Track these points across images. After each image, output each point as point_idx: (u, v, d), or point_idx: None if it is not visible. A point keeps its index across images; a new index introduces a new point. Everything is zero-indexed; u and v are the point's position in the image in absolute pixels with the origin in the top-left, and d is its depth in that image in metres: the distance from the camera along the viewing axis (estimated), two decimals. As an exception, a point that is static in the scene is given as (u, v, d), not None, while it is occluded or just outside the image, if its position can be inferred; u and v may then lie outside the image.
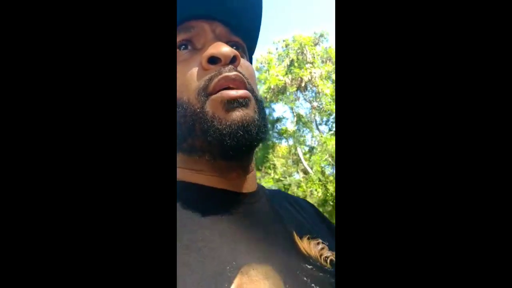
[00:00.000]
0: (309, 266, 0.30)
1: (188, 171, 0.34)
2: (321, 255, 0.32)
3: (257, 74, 8.50)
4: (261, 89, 7.86)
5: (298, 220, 0.37)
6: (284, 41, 8.31)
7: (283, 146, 8.55)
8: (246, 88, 0.32)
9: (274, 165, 8.06)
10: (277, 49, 8.43)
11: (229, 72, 0.31)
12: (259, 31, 0.39)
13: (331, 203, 7.01)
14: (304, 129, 8.08)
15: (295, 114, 8.01)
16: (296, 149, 7.93)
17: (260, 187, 0.39)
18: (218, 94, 0.30)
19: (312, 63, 7.50)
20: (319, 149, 7.31)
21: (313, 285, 0.28)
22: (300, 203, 0.42)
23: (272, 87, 7.38)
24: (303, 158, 7.80)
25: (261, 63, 8.49)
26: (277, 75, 7.31)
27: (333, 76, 7.71)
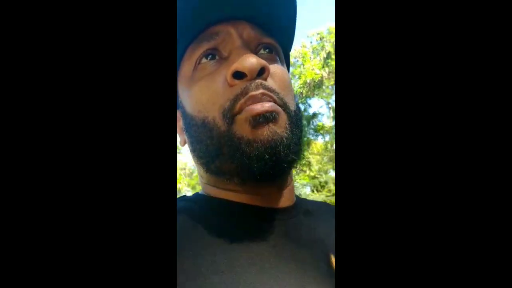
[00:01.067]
0: None
1: (217, 189, 0.32)
2: None
3: (291, 70, 8.30)
4: (296, 85, 7.70)
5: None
6: (318, 34, 8.05)
7: (319, 142, 8.33)
8: (276, 100, 0.29)
9: (309, 162, 7.86)
10: (311, 42, 8.21)
11: (255, 91, 0.28)
12: (294, 27, 0.35)
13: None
14: (342, 124, 7.78)
15: (331, 108, 7.74)
16: (332, 146, 7.68)
17: (299, 201, 0.37)
18: (243, 113, 0.28)
19: (350, 54, 7.17)
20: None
21: None
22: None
23: (308, 81, 7.19)
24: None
25: (295, 58, 8.31)
26: (313, 69, 7.10)
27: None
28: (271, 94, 0.29)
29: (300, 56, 8.17)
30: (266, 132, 0.28)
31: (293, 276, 0.26)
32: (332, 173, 7.90)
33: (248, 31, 0.31)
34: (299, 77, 7.64)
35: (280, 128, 0.28)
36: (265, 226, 0.30)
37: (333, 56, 7.12)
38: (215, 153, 0.30)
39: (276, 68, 0.32)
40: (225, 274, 0.25)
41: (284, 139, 0.28)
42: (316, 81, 7.14)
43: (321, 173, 7.98)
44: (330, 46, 7.37)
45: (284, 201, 0.33)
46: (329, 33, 7.70)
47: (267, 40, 0.32)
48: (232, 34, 0.31)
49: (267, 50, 0.33)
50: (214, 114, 0.30)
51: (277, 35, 0.34)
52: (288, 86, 0.33)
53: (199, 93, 0.31)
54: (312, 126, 7.99)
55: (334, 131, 7.68)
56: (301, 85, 7.38)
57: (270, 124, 0.28)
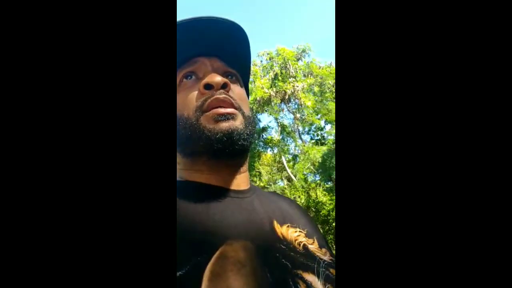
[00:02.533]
0: (283, 247, 0.35)
1: (187, 171, 0.42)
2: (295, 240, 0.38)
3: (243, 85, 8.77)
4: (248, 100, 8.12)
5: (284, 213, 0.43)
6: (268, 54, 8.71)
7: (268, 154, 8.87)
8: (234, 107, 0.40)
9: (260, 173, 8.36)
10: (261, 61, 8.83)
11: (219, 95, 0.40)
12: (249, 62, 0.50)
13: (313, 209, 7.37)
14: (288, 138, 8.47)
15: (279, 124, 8.38)
16: (280, 157, 8.28)
17: (254, 187, 0.46)
18: (211, 112, 0.39)
19: (294, 77, 7.94)
20: (301, 157, 7.70)
21: (283, 260, 0.33)
22: (289, 202, 0.50)
23: (258, 98, 7.73)
24: (287, 166, 8.16)
25: (247, 75, 8.80)
26: (263, 87, 7.67)
27: (315, 89, 8.17)
28: (230, 99, 0.40)
29: (252, 74, 8.72)
30: (225, 124, 0.38)
31: (246, 226, 0.35)
32: (281, 183, 8.49)
33: (218, 63, 0.44)
34: (251, 94, 8.16)
35: (236, 123, 0.39)
36: (224, 201, 0.38)
37: (280, 78, 7.81)
38: (187, 138, 0.39)
39: (235, 87, 0.44)
40: (196, 225, 0.33)
41: (238, 129, 0.39)
42: (265, 99, 7.72)
43: (270, 183, 8.50)
44: (278, 67, 8.06)
45: (241, 185, 0.42)
46: (277, 54, 8.39)
47: (230, 70, 0.45)
48: (206, 63, 0.43)
49: (230, 76, 0.45)
50: (188, 112, 0.40)
51: (237, 68, 0.47)
52: (244, 98, 0.45)
53: (180, 100, 0.42)
54: (262, 139, 8.53)
55: (280, 144, 8.31)
56: (251, 102, 7.89)
57: (230, 120, 0.39)
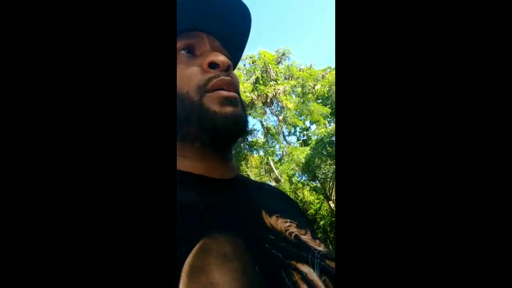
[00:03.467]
0: (272, 237, 0.32)
1: (178, 158, 0.38)
2: (286, 230, 0.35)
3: (227, 89, 8.86)
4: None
5: (272, 203, 0.40)
6: (251, 57, 8.84)
7: (255, 156, 9.00)
8: (236, 92, 0.38)
9: (248, 175, 8.48)
10: (244, 65, 8.95)
11: (225, 77, 0.37)
12: (243, 50, 0.48)
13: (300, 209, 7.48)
14: (273, 140, 8.60)
15: (264, 126, 8.51)
16: (267, 159, 8.41)
17: (240, 176, 0.43)
18: (215, 93, 0.36)
19: (275, 80, 8.08)
20: (286, 159, 7.84)
21: (273, 251, 0.30)
22: (278, 192, 0.48)
23: (240, 103, 7.82)
24: (274, 167, 8.29)
25: (231, 79, 8.91)
26: (245, 91, 7.79)
27: (298, 90, 8.32)
28: (234, 83, 0.38)
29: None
30: (231, 108, 0.35)
31: (232, 217, 0.32)
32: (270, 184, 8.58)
33: (216, 43, 0.41)
34: (234, 97, 8.22)
35: (239, 110, 0.37)
36: (211, 191, 0.35)
37: (261, 81, 7.94)
38: (185, 119, 0.36)
39: (233, 72, 0.41)
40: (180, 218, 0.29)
41: (242, 116, 0.37)
42: (248, 102, 7.84)
43: (258, 184, 8.58)
44: (259, 71, 8.18)
45: (228, 174, 0.39)
46: (259, 58, 8.52)
47: (226, 53, 0.42)
48: (205, 40, 0.40)
49: None
50: (188, 89, 0.36)
51: (232, 53, 0.44)
52: (239, 85, 0.41)
53: (177, 74, 0.37)
54: (247, 142, 8.65)
55: (265, 147, 8.44)
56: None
57: (234, 106, 0.36)
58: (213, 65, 0.37)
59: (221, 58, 0.37)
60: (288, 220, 0.37)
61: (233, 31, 0.44)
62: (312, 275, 0.30)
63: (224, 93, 0.36)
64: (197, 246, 0.27)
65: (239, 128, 0.36)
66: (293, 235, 0.35)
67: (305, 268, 0.30)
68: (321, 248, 0.36)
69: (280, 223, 0.36)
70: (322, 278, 0.31)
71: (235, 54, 0.47)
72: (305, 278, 0.29)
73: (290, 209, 0.43)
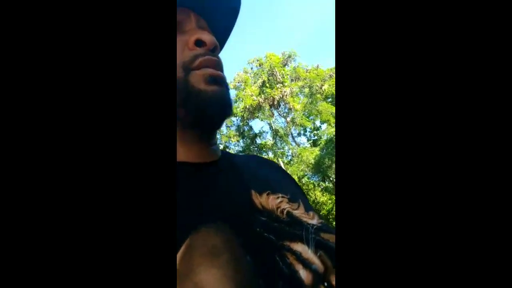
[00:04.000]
0: (263, 218, 0.31)
1: None
2: (278, 208, 0.34)
3: (235, 92, 9.10)
4: (240, 106, 8.38)
5: (263, 177, 0.39)
6: (258, 60, 8.90)
7: (267, 157, 8.99)
8: (222, 72, 0.36)
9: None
10: (252, 68, 9.02)
11: (213, 56, 0.35)
12: (230, 33, 0.46)
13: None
14: (282, 142, 8.61)
15: (273, 129, 8.53)
16: (277, 161, 8.43)
17: (226, 155, 0.41)
18: (201, 70, 0.34)
19: (282, 82, 8.09)
20: (295, 160, 7.83)
21: (265, 234, 0.29)
22: (269, 164, 0.46)
23: (247, 106, 7.90)
24: (285, 168, 8.28)
25: (239, 82, 9.05)
26: (252, 95, 7.85)
27: (306, 91, 8.30)
28: (220, 66, 0.36)
29: (243, 81, 8.92)
30: (216, 88, 0.34)
31: (218, 204, 0.31)
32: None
33: (203, 22, 0.39)
34: (242, 100, 8.35)
35: (225, 90, 0.35)
36: (193, 180, 0.33)
37: (268, 84, 7.97)
38: None
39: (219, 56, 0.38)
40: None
41: (227, 96, 0.35)
42: (255, 106, 7.89)
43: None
44: (265, 75, 8.22)
45: (211, 156, 0.37)
46: (266, 61, 8.57)
47: (212, 34, 0.39)
48: (192, 18, 0.38)
49: None
50: None
51: (217, 37, 0.40)
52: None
53: None
54: (256, 145, 8.70)
55: (274, 148, 8.46)
56: (242, 109, 8.06)
57: (221, 85, 0.35)
58: (199, 42, 0.35)
59: (207, 36, 0.35)
60: (280, 195, 0.36)
61: (221, 10, 0.42)
62: (307, 252, 0.30)
63: (210, 70, 0.34)
64: (183, 247, 0.25)
65: (225, 108, 0.35)
66: (285, 212, 0.34)
67: (299, 247, 0.30)
68: (314, 221, 0.35)
69: (271, 201, 0.34)
70: (318, 254, 0.30)
71: (222, 35, 0.45)
72: (299, 257, 0.29)
73: (281, 179, 0.41)
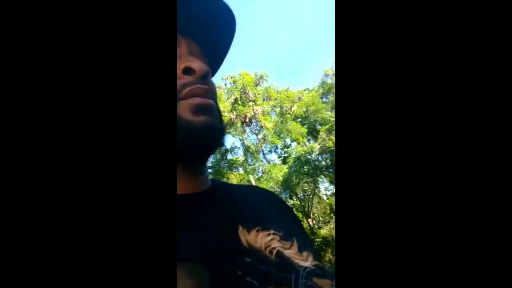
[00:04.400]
0: (247, 259, 0.29)
1: None
2: (267, 247, 0.32)
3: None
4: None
5: (255, 213, 0.37)
6: (232, 77, 9.11)
7: (236, 174, 9.09)
8: (213, 100, 0.35)
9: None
10: (225, 84, 9.19)
11: (202, 85, 0.33)
12: (223, 60, 0.44)
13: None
14: (253, 158, 8.76)
15: (244, 145, 8.68)
16: (248, 177, 8.52)
17: (217, 184, 0.39)
18: (189, 100, 0.32)
19: (254, 101, 8.34)
20: (264, 177, 7.99)
21: (247, 278, 0.28)
22: (266, 196, 0.43)
23: (219, 122, 7.98)
24: (255, 184, 8.41)
25: (212, 98, 9.12)
26: (224, 111, 7.99)
27: (277, 110, 8.60)
28: (212, 93, 0.35)
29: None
30: (203, 119, 0.32)
31: (199, 240, 0.29)
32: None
33: (194, 47, 0.38)
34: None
35: (214, 120, 0.33)
36: (179, 208, 0.30)
37: (240, 102, 8.19)
38: None
39: (211, 80, 0.37)
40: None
41: (216, 128, 0.33)
42: (226, 122, 8.02)
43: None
44: (237, 92, 8.43)
45: (199, 186, 0.35)
46: (240, 78, 8.80)
47: (204, 60, 0.38)
48: (182, 43, 0.36)
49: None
50: None
51: (211, 61, 0.40)
52: (217, 95, 0.38)
53: None
54: (227, 160, 8.76)
55: (244, 165, 8.58)
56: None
57: (209, 115, 0.33)
58: (187, 70, 0.34)
59: (196, 64, 0.34)
60: (271, 232, 0.33)
61: (216, 38, 0.41)
62: None
63: (198, 99, 0.33)
64: None
65: (212, 139, 0.33)
66: (274, 252, 0.31)
67: None
68: (308, 262, 0.32)
69: (260, 239, 0.32)
70: None
71: (215, 61, 0.44)
72: None
73: (277, 213, 0.39)
